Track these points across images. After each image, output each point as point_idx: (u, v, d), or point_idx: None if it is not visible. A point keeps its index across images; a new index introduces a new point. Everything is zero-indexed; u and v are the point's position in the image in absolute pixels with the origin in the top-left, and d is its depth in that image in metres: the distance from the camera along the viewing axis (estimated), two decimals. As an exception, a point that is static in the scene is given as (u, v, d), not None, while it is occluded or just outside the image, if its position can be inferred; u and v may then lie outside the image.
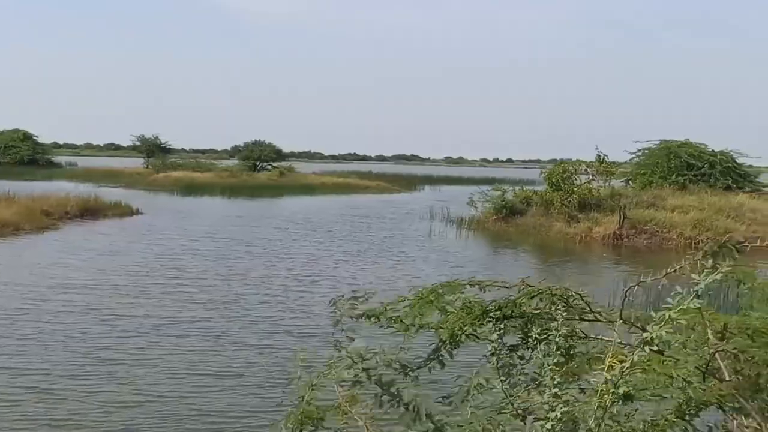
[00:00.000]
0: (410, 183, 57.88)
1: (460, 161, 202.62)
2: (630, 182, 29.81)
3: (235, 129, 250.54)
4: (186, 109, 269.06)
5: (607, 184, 25.68)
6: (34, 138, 70.99)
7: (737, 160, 28.95)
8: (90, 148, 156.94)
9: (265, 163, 60.47)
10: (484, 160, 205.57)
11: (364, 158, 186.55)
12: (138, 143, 63.77)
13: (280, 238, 21.03)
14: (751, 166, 30.03)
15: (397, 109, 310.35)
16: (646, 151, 30.08)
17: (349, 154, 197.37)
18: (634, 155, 30.49)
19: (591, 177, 25.73)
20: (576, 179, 25.54)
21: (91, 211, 26.46)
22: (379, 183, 55.21)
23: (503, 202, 26.35)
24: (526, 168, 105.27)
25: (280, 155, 62.34)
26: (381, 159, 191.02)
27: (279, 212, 31.80)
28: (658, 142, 29.73)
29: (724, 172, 27.71)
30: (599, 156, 25.69)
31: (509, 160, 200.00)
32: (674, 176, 27.85)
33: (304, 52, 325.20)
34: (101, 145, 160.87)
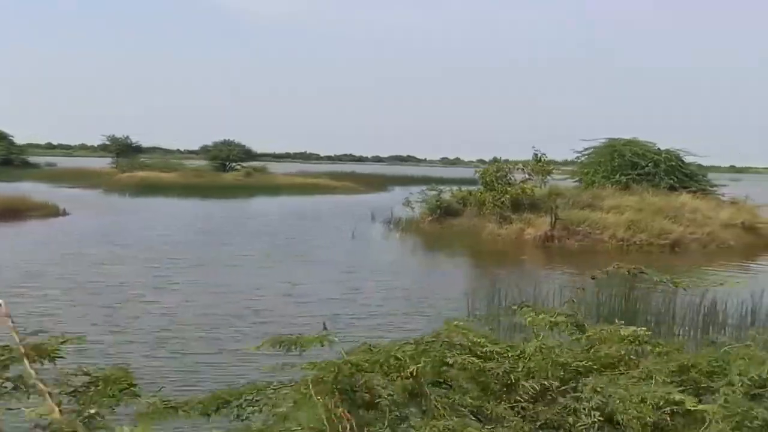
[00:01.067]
0: (381, 184, 57.01)
1: (456, 162, 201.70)
2: (582, 181, 28.88)
3: (234, 129, 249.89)
4: (185, 109, 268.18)
5: (544, 183, 24.74)
6: (9, 138, 70.07)
7: (684, 159, 27.94)
8: (84, 149, 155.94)
9: (234, 163, 59.71)
10: (480, 160, 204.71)
11: (360, 159, 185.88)
12: (108, 143, 63.11)
13: (181, 241, 20.12)
14: (701, 166, 29.05)
15: (397, 109, 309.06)
16: (590, 150, 29.14)
17: (345, 154, 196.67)
18: (580, 154, 29.55)
19: (527, 176, 24.80)
20: (512, 178, 24.61)
21: (13, 212, 25.71)
22: (346, 183, 54.31)
23: (438, 203, 25.45)
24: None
25: (249, 155, 61.51)
26: (377, 160, 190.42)
27: (217, 213, 30.95)
28: (605, 140, 28.75)
29: (668, 171, 26.71)
30: (536, 154, 24.76)
31: (506, 161, 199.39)
32: (618, 175, 26.86)
33: (304, 52, 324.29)
34: (95, 145, 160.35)
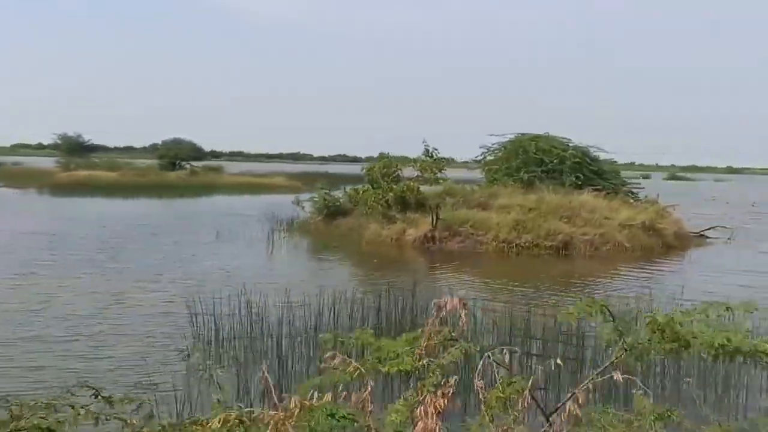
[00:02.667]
0: (333, 183, 55.39)
1: (450, 162, 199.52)
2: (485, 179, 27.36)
3: (234, 129, 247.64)
4: (185, 109, 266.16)
5: (437, 181, 23.18)
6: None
7: (593, 156, 26.36)
8: (41, 148, 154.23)
9: (184, 162, 58.32)
10: (475, 161, 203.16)
11: (354, 159, 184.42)
12: (59, 141, 61.77)
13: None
14: (614, 162, 27.47)
15: (396, 109, 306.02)
16: (496, 146, 27.58)
17: (339, 155, 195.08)
18: (486, 150, 27.93)
19: (418, 174, 23.25)
20: (400, 175, 23.07)
21: None
22: (295, 183, 52.83)
23: (325, 202, 23.95)
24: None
25: (201, 153, 60.13)
26: (371, 159, 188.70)
27: (114, 212, 29.46)
28: (514, 136, 27.17)
29: (574, 168, 25.11)
30: (427, 150, 23.20)
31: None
32: (521, 173, 25.29)
33: (304, 52, 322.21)
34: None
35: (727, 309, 2.53)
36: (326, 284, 12.13)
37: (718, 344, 2.33)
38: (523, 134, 26.92)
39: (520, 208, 22.04)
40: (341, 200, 24.27)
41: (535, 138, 26.26)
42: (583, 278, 16.15)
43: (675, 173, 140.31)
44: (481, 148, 28.01)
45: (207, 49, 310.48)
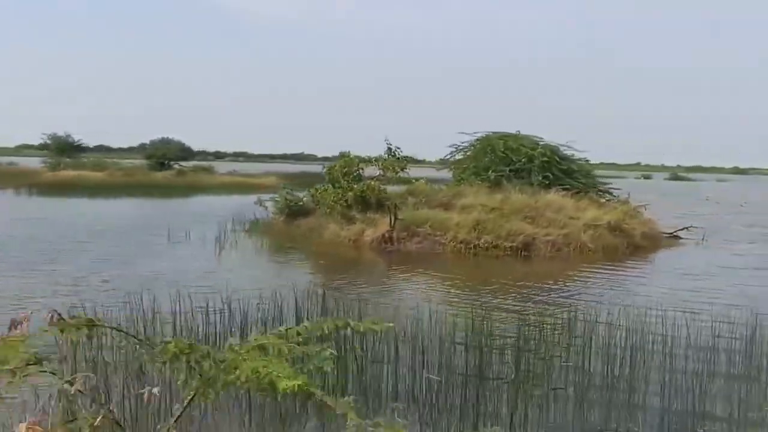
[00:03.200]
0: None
1: (444, 163, 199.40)
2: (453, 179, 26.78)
3: (237, 130, 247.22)
4: (187, 109, 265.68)
5: (398, 180, 22.70)
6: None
7: (563, 154, 25.73)
8: (27, 148, 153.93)
9: (172, 162, 57.98)
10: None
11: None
12: (48, 141, 61.55)
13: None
14: (587, 161, 26.81)
15: (397, 110, 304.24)
16: (466, 144, 26.98)
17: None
18: (455, 149, 27.32)
19: (380, 173, 22.75)
20: (362, 174, 22.57)
21: None
22: (286, 183, 52.39)
23: (287, 201, 23.46)
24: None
25: (189, 153, 59.77)
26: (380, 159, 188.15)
27: (80, 213, 29.05)
28: (484, 134, 26.57)
29: (543, 168, 24.50)
30: (390, 149, 22.69)
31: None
32: (489, 172, 24.70)
33: (304, 52, 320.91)
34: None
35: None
36: (261, 287, 11.67)
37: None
38: (494, 133, 26.33)
39: (482, 208, 21.52)
40: (304, 200, 23.76)
41: (504, 137, 25.67)
42: (529, 281, 15.57)
43: (677, 173, 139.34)
44: (449, 147, 27.46)
45: (207, 49, 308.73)
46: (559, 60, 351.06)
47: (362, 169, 22.74)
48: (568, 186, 23.95)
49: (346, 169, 22.31)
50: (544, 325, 9.50)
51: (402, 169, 22.78)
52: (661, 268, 18.58)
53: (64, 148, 59.61)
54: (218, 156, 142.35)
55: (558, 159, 24.92)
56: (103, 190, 42.44)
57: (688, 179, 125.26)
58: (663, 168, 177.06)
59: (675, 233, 24.60)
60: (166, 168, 56.58)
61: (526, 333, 8.66)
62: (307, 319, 9.05)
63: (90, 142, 72.34)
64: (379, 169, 22.77)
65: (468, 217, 20.94)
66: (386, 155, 22.65)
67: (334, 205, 21.67)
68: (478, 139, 26.48)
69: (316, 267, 18.10)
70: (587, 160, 26.75)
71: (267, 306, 9.28)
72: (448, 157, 27.65)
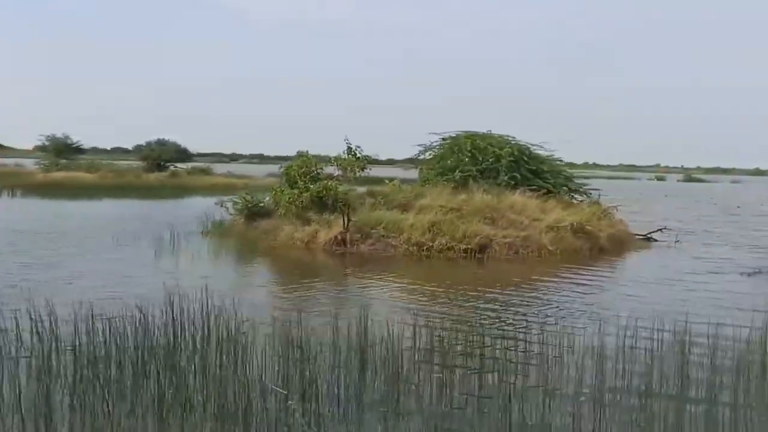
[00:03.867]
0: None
1: (412, 162, 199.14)
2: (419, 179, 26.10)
3: (238, 130, 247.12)
4: (186, 109, 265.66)
5: (356, 180, 22.11)
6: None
7: (533, 154, 24.91)
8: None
9: (168, 164, 57.82)
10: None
11: (375, 162, 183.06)
12: (46, 143, 61.68)
13: None
14: (560, 161, 25.92)
15: (397, 109, 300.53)
16: (436, 144, 26.27)
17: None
18: (423, 149, 26.60)
19: (339, 173, 22.17)
20: (320, 174, 21.97)
21: None
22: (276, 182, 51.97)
23: (246, 203, 22.94)
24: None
25: (186, 155, 59.57)
26: (390, 162, 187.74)
27: (50, 214, 28.75)
28: (455, 134, 25.85)
29: (510, 168, 23.72)
30: (350, 148, 22.10)
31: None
32: (456, 172, 23.98)
33: (306, 52, 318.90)
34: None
35: None
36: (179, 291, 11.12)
37: None
38: (464, 132, 25.62)
39: (440, 209, 20.85)
40: (265, 201, 23.21)
41: (472, 136, 24.94)
42: (465, 284, 14.86)
43: (691, 175, 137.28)
44: (417, 146, 26.76)
45: (209, 49, 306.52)
46: (562, 60, 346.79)
47: (321, 169, 22.16)
48: (535, 186, 23.18)
49: (303, 169, 21.72)
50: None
51: (362, 169, 22.18)
52: (614, 272, 17.77)
53: (61, 150, 59.61)
54: (234, 158, 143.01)
55: (526, 159, 24.14)
56: (89, 192, 42.39)
57: (703, 181, 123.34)
58: (682, 170, 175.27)
59: (648, 235, 23.77)
60: (162, 169, 56.42)
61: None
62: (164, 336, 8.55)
63: (90, 144, 72.57)
64: (338, 169, 22.22)
65: (423, 218, 20.28)
66: (346, 155, 22.06)
67: (288, 206, 21.12)
68: (445, 139, 25.79)
69: (249, 270, 17.50)
70: (560, 160, 25.88)
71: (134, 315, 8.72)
72: (416, 156, 26.93)
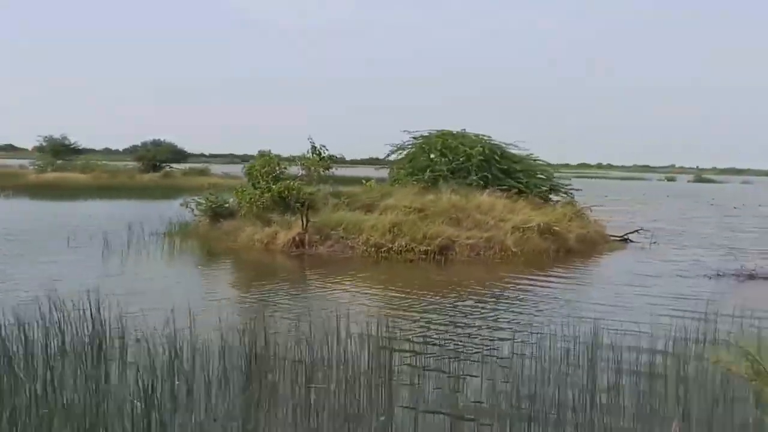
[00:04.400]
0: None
1: (383, 162, 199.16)
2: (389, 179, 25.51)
3: (239, 130, 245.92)
4: (186, 110, 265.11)
5: (321, 180, 21.63)
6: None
7: (506, 153, 24.23)
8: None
9: (164, 164, 57.61)
10: (380, 160, 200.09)
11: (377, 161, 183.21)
12: (44, 144, 61.62)
13: None
14: (535, 160, 25.16)
15: (397, 109, 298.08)
16: (408, 143, 25.66)
17: (372, 158, 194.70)
18: (394, 148, 25.99)
19: (302, 173, 21.69)
20: (283, 174, 21.49)
21: None
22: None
23: (209, 203, 22.50)
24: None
25: (181, 155, 59.32)
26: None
27: (23, 215, 28.49)
28: (429, 133, 25.22)
29: (481, 167, 23.08)
30: (314, 147, 21.61)
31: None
32: (426, 172, 23.39)
33: (307, 52, 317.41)
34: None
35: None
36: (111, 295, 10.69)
37: None
38: (438, 131, 25.02)
39: (404, 210, 20.30)
40: (230, 202, 22.76)
41: (444, 135, 24.33)
42: (414, 287, 14.30)
43: (701, 176, 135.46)
44: (389, 146, 26.17)
45: (208, 50, 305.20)
46: (567, 60, 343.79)
47: (285, 168, 21.69)
48: (506, 186, 22.55)
49: (265, 169, 21.25)
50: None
51: (326, 169, 21.69)
52: (572, 275, 17.08)
53: (59, 151, 59.54)
54: (249, 157, 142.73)
55: (497, 158, 23.48)
56: (79, 193, 42.20)
57: (713, 181, 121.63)
58: (697, 170, 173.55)
59: (625, 236, 23.07)
60: (158, 170, 56.23)
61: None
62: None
63: (90, 145, 72.71)
64: (302, 169, 21.75)
65: (385, 219, 19.75)
66: (310, 154, 21.59)
67: (249, 206, 20.66)
68: (416, 138, 25.20)
69: (191, 272, 16.98)
70: (535, 159, 25.16)
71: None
72: (387, 156, 26.38)
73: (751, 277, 15.77)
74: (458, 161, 23.22)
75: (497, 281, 15.45)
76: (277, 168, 21.43)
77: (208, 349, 8.09)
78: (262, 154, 21.84)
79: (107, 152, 75.86)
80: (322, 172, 21.57)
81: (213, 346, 8.23)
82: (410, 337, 9.59)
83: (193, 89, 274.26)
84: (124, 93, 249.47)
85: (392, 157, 25.99)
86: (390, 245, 18.98)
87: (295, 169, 21.99)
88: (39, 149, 61.66)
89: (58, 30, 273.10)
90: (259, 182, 21.16)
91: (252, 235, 20.54)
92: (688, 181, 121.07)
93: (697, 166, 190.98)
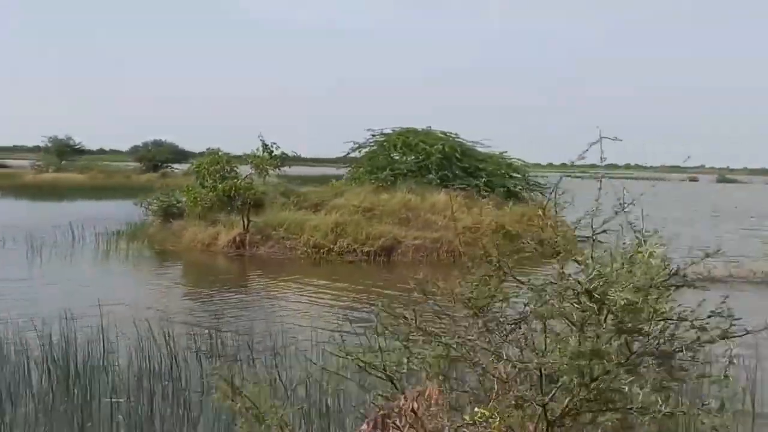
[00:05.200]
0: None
1: (343, 161, 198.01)
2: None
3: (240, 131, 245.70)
4: (187, 110, 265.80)
5: (267, 179, 20.93)
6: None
7: (468, 152, 23.23)
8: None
9: (165, 164, 57.37)
10: (340, 159, 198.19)
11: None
12: (48, 144, 61.88)
13: None
14: (502, 158, 24.06)
15: (397, 109, 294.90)
16: (370, 141, 24.78)
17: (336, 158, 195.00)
18: (356, 146, 25.09)
19: (252, 171, 21.00)
20: (233, 172, 20.79)
21: None
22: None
23: (160, 203, 21.92)
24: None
25: (182, 156, 58.98)
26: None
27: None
28: (391, 131, 24.33)
29: (441, 166, 22.14)
30: (265, 145, 20.90)
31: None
32: (385, 170, 22.52)
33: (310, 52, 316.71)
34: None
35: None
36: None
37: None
38: (401, 128, 24.13)
39: (352, 209, 19.51)
40: (183, 201, 22.12)
41: (404, 133, 23.43)
42: (324, 289, 13.51)
43: (725, 176, 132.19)
44: (348, 143, 25.29)
45: (209, 51, 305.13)
46: (559, 60, 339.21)
47: (235, 167, 20.99)
48: (465, 185, 21.58)
49: (213, 167, 20.57)
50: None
51: (277, 168, 20.97)
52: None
53: (63, 151, 59.73)
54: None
55: (458, 156, 22.50)
56: (72, 193, 41.97)
57: (736, 181, 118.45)
58: (727, 170, 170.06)
59: (593, 237, 21.90)
60: (158, 170, 56.02)
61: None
62: None
63: (93, 145, 73.04)
64: (252, 167, 21.06)
65: (329, 219, 18.96)
66: (260, 152, 20.89)
67: (193, 205, 20.01)
68: (376, 136, 24.34)
69: (113, 276, 16.32)
70: (502, 158, 24.10)
71: None
72: (346, 154, 25.51)
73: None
74: (418, 159, 22.31)
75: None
76: (226, 166, 20.73)
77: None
78: (211, 152, 21.12)
79: (113, 153, 75.95)
80: (271, 171, 20.82)
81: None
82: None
83: (192, 89, 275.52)
84: (124, 93, 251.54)
85: (353, 155, 25.10)
86: (331, 246, 18.20)
87: (245, 168, 21.30)
88: (44, 149, 61.84)
89: (58, 30, 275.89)
90: (206, 181, 20.50)
91: (195, 235, 19.91)
92: (710, 182, 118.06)
93: (728, 167, 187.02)
